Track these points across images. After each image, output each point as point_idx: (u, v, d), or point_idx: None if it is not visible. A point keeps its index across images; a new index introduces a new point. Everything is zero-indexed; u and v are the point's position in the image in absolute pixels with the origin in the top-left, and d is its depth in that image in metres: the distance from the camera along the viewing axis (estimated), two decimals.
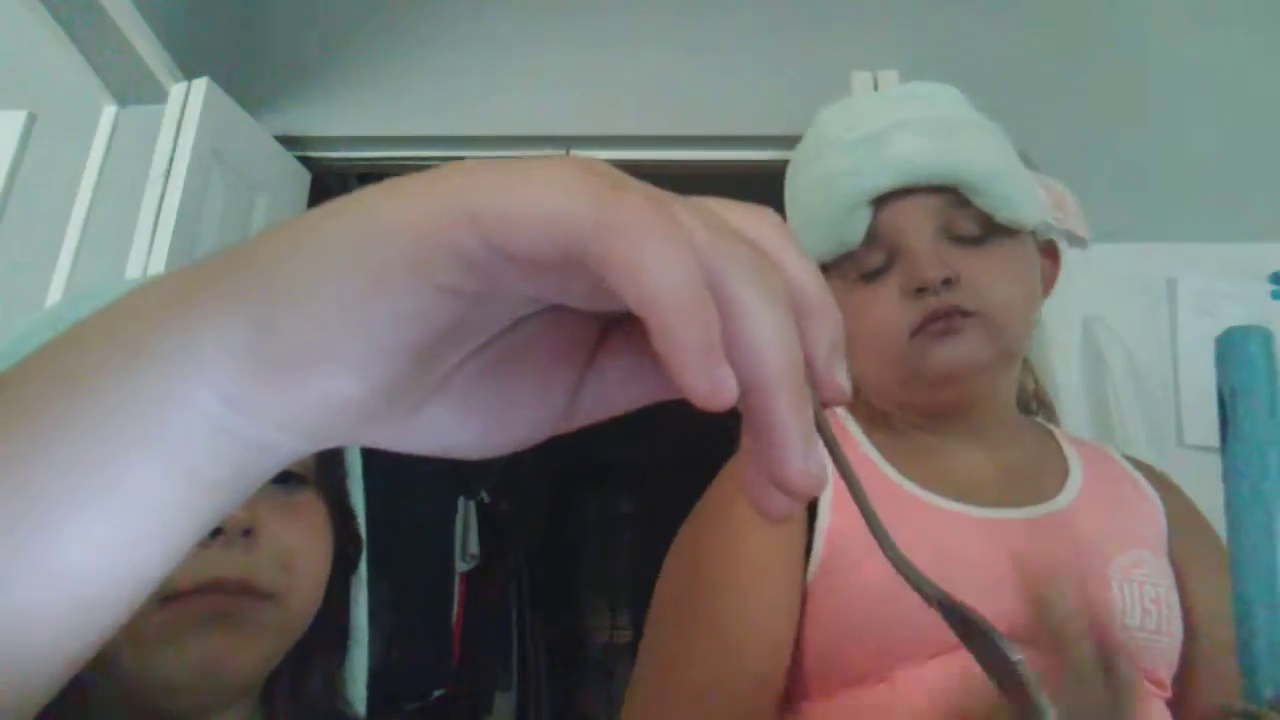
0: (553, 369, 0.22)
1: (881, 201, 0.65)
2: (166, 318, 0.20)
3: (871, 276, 0.67)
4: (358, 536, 0.56)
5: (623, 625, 3.33)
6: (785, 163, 0.76)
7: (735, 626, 0.59)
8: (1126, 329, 1.61)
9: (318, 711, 0.52)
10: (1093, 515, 0.64)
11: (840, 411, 0.73)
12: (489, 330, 0.21)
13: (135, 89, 1.73)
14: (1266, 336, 0.52)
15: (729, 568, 0.61)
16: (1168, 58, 1.76)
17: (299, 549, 0.48)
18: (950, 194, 0.65)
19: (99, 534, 0.19)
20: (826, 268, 0.69)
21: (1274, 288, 1.68)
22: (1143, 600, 0.60)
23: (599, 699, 3.31)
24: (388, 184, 0.19)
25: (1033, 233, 0.70)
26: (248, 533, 0.45)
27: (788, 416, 0.19)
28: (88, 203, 1.72)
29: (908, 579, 0.23)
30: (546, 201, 0.17)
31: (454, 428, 0.22)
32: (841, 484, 0.73)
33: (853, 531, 0.62)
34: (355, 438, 0.22)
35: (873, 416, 0.71)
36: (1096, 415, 1.56)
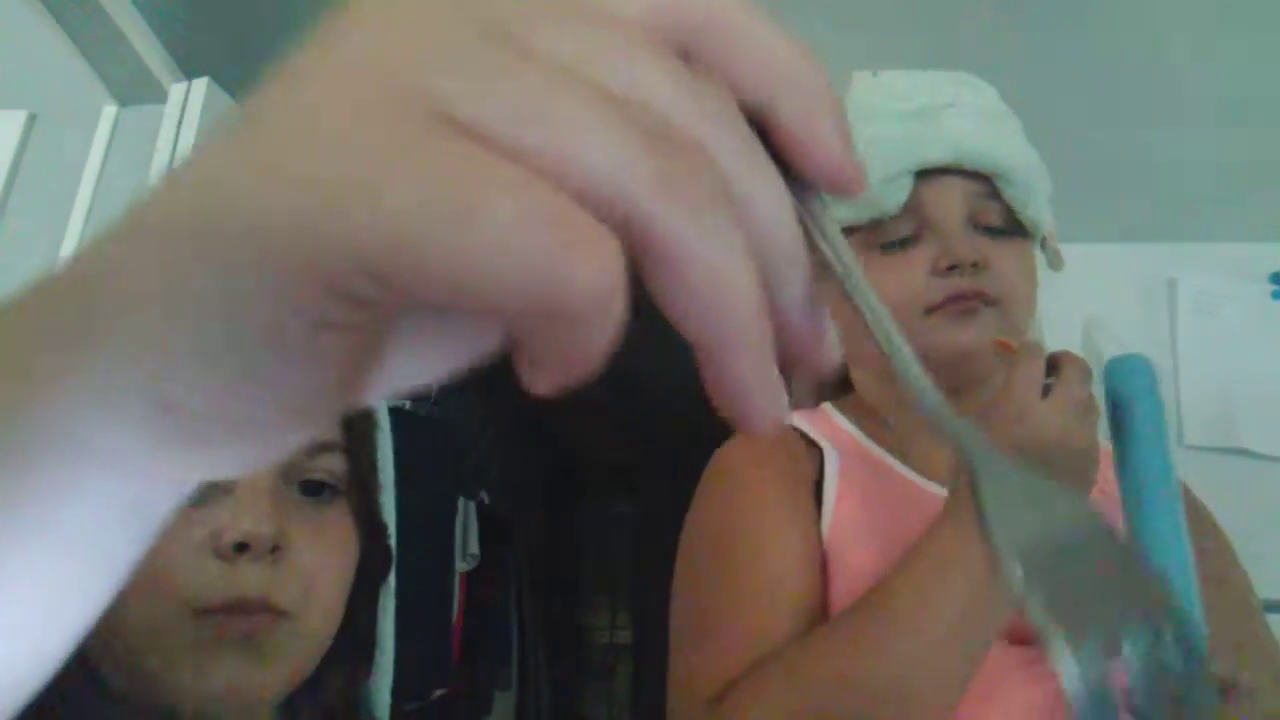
0: None
1: (921, 176, 0.66)
2: (38, 392, 0.16)
3: (891, 247, 0.67)
4: (388, 550, 0.55)
5: (623, 625, 3.33)
6: None
7: (769, 576, 0.61)
8: (1126, 329, 1.60)
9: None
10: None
11: (832, 410, 0.74)
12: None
13: (135, 89, 1.73)
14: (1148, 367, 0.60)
15: (751, 531, 0.63)
16: (1168, 58, 1.76)
17: (322, 570, 0.48)
18: (984, 182, 0.66)
19: None
20: (845, 233, 0.69)
21: (1274, 288, 1.68)
22: None
23: (599, 699, 3.30)
24: (237, 148, 0.15)
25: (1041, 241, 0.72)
26: (275, 549, 0.45)
27: (750, 374, 0.16)
28: (88, 203, 1.72)
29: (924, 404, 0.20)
30: (490, 265, 0.13)
31: (407, 378, 0.18)
32: (847, 474, 0.74)
33: (848, 521, 0.63)
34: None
35: (866, 412, 0.72)
36: None
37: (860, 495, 0.64)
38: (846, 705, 0.52)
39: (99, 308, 0.15)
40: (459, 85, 0.14)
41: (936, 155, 0.66)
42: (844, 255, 0.18)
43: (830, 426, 0.72)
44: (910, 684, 0.52)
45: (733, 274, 0.14)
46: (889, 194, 0.66)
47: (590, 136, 0.14)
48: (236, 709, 0.44)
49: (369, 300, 0.14)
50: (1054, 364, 0.58)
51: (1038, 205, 0.68)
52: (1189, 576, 0.54)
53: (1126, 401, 0.58)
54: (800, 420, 0.72)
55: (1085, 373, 0.57)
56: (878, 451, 0.69)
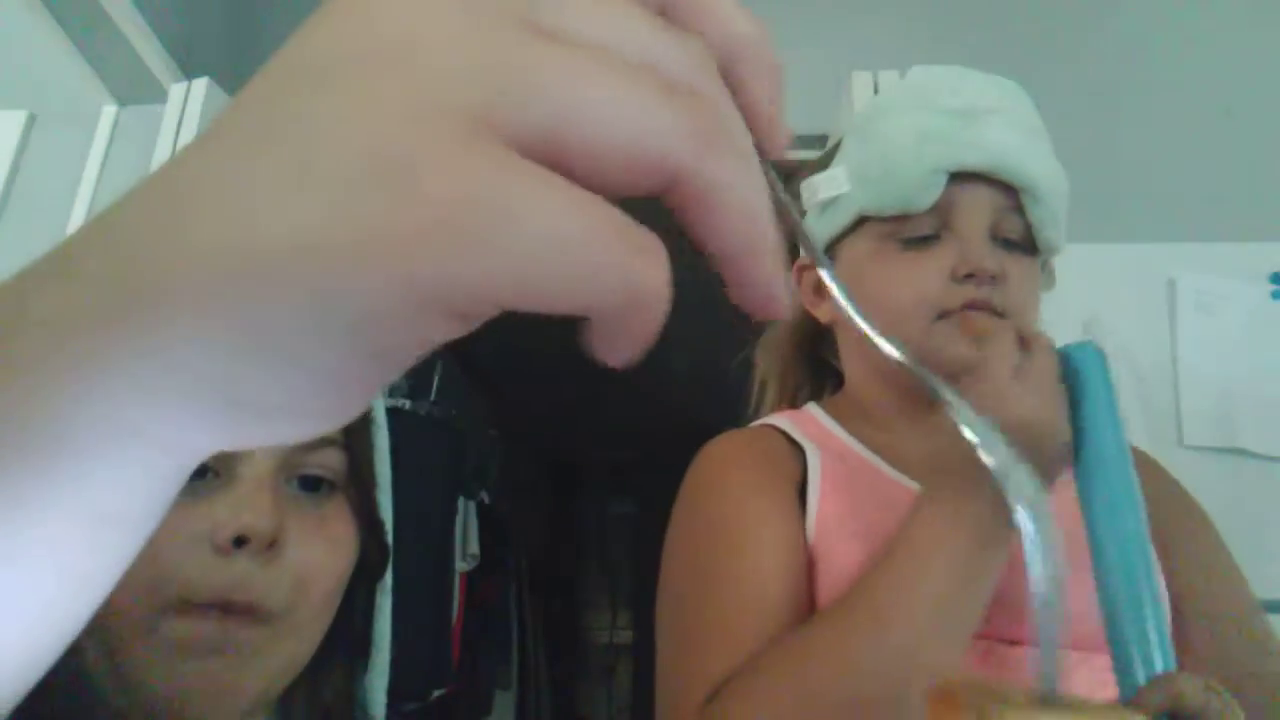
0: None
1: (954, 178, 0.66)
2: (99, 380, 0.15)
3: (911, 244, 0.67)
4: (385, 547, 0.55)
5: (623, 625, 3.33)
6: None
7: (755, 578, 0.60)
8: (1126, 329, 1.60)
9: (334, 719, 0.52)
10: (1072, 500, 0.64)
11: (817, 411, 0.74)
12: None
13: (135, 89, 1.73)
14: (1099, 353, 0.60)
15: (736, 529, 0.63)
16: (1168, 57, 1.76)
17: (317, 567, 0.47)
18: (1011, 195, 0.66)
19: None
20: (865, 220, 0.70)
21: (1274, 288, 1.68)
22: None
23: (599, 699, 3.31)
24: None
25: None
26: (270, 545, 0.45)
27: (771, 270, 0.19)
28: (88, 203, 1.72)
29: (864, 334, 0.25)
30: (595, 284, 0.16)
31: None
32: (831, 473, 0.74)
33: (833, 521, 0.63)
34: None
35: (852, 411, 0.73)
36: None
37: (844, 495, 0.64)
38: (837, 698, 0.52)
39: (178, 313, 0.15)
40: (516, 100, 0.15)
41: (975, 160, 0.65)
42: (785, 198, 0.22)
43: (815, 426, 0.72)
44: (899, 673, 0.52)
45: (758, 201, 0.18)
46: (921, 190, 0.66)
47: (646, 112, 0.16)
48: (215, 711, 0.44)
49: (484, 315, 0.16)
50: (1022, 343, 0.59)
51: (1056, 228, 0.68)
52: (1147, 559, 0.53)
53: (1079, 388, 0.58)
54: (783, 421, 0.72)
55: (1053, 350, 0.58)
56: (862, 451, 0.69)
